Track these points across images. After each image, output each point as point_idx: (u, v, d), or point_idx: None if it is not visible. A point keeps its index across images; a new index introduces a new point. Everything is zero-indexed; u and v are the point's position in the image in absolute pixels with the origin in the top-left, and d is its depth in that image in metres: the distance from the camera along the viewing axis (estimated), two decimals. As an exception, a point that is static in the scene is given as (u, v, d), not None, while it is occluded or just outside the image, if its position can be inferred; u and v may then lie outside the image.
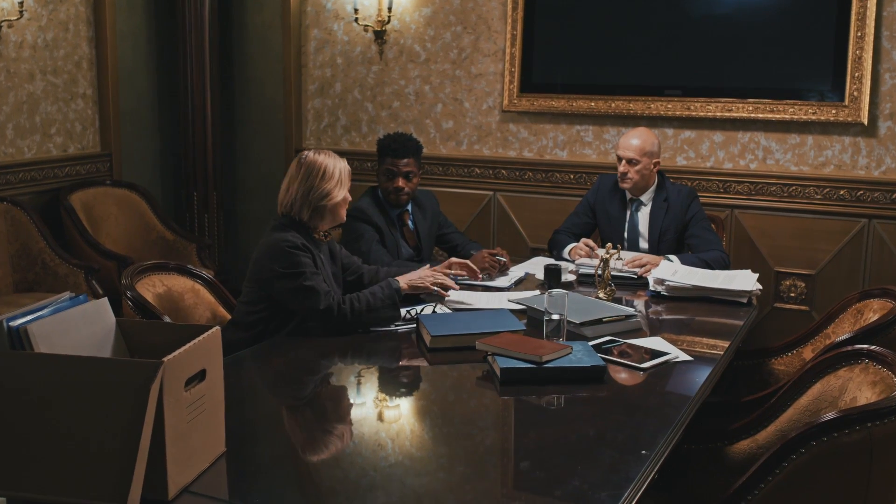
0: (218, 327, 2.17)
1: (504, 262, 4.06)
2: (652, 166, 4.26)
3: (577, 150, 5.57)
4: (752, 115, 5.10)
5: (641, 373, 2.83)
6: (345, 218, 3.43)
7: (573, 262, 4.20)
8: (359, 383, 2.88)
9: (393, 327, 3.27)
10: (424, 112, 5.92)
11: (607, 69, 5.45)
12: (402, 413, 2.58)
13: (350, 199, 3.42)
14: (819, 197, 5.04)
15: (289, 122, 6.28)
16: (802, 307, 5.15)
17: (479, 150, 5.81)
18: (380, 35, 5.90)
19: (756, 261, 5.13)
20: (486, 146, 5.79)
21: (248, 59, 6.44)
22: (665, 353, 2.96)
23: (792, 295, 5.16)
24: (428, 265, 3.51)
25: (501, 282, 3.96)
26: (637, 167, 4.22)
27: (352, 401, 2.70)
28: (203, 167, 6.22)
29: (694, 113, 5.22)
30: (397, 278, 3.36)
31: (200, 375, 2.09)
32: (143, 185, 6.04)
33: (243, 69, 6.47)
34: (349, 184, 3.39)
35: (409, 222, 4.25)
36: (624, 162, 4.24)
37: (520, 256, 4.76)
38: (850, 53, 4.83)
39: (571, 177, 5.57)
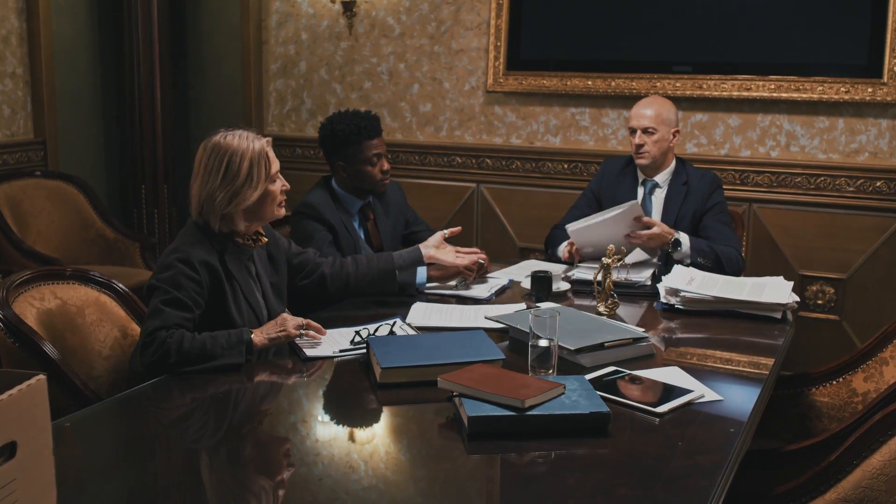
0: (43, 376, 1.47)
1: (483, 264, 3.36)
2: (671, 137, 3.67)
3: (572, 135, 4.90)
4: (774, 94, 4.45)
5: (657, 419, 2.14)
6: (280, 213, 2.73)
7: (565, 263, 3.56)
8: (272, 435, 2.18)
9: (336, 353, 2.58)
10: (399, 94, 5.24)
11: (606, 43, 4.79)
12: (307, 490, 1.88)
13: (283, 188, 2.72)
14: (851, 189, 4.39)
15: (248, 106, 5.64)
16: (831, 316, 4.49)
17: (460, 137, 5.15)
18: (349, 7, 5.23)
19: (778, 263, 4.48)
20: (468, 132, 5.12)
21: (203, 35, 5.78)
22: (686, 391, 2.27)
23: (819, 302, 4.49)
24: (286, 310, 2.81)
25: (479, 291, 3.26)
26: (655, 137, 3.63)
27: (247, 466, 2.01)
28: (152, 156, 5.56)
29: (706, 92, 4.56)
30: (253, 332, 2.57)
31: (7, 451, 1.39)
32: (83, 176, 5.34)
33: (197, 46, 5.81)
34: (272, 168, 2.67)
35: (373, 218, 3.55)
36: (639, 132, 3.65)
37: (506, 259, 4.09)
38: (889, 22, 4.20)
39: (565, 166, 4.89)
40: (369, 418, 2.24)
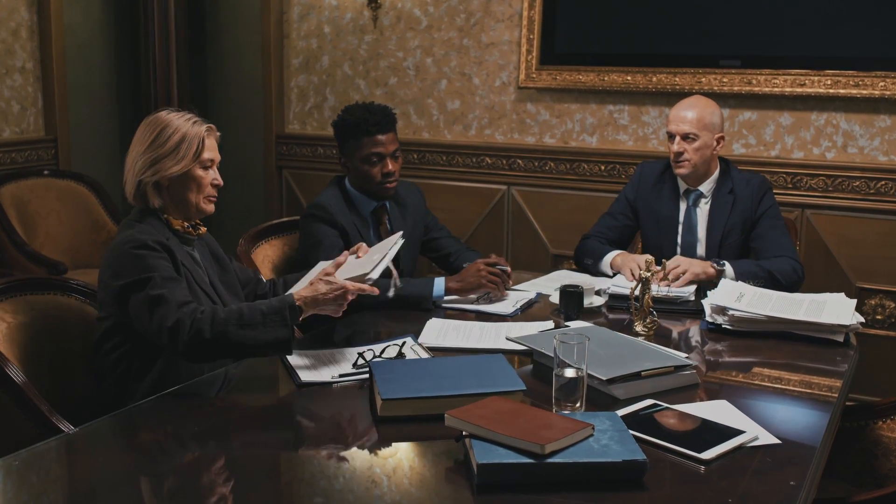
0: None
1: (507, 271, 3.04)
2: (715, 143, 3.28)
3: (610, 134, 4.57)
4: (831, 90, 4.11)
5: (702, 467, 1.81)
6: (208, 209, 2.46)
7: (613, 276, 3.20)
8: (236, 484, 1.89)
9: (336, 378, 2.27)
10: (426, 90, 4.94)
11: (647, 35, 4.47)
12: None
13: (214, 181, 2.44)
14: (916, 194, 4.04)
15: (269, 103, 5.38)
16: (892, 333, 4.13)
17: (490, 136, 4.84)
18: (374, -2, 4.95)
19: (833, 274, 4.14)
20: (498, 130, 4.81)
21: (222, 28, 5.55)
22: (737, 432, 1.94)
23: (878, 318, 4.13)
24: (333, 261, 2.43)
25: (502, 306, 2.95)
26: (696, 144, 3.23)
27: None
28: (168, 155, 5.29)
29: (756, 89, 4.22)
30: (293, 292, 2.33)
31: None
32: (96, 176, 5.11)
33: (216, 40, 5.58)
34: (205, 153, 2.39)
35: (388, 221, 3.25)
36: (678, 139, 3.25)
37: (538, 267, 3.78)
38: (960, 11, 3.81)
39: (602, 168, 4.57)
40: (362, 459, 1.92)
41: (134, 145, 2.40)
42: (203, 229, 2.52)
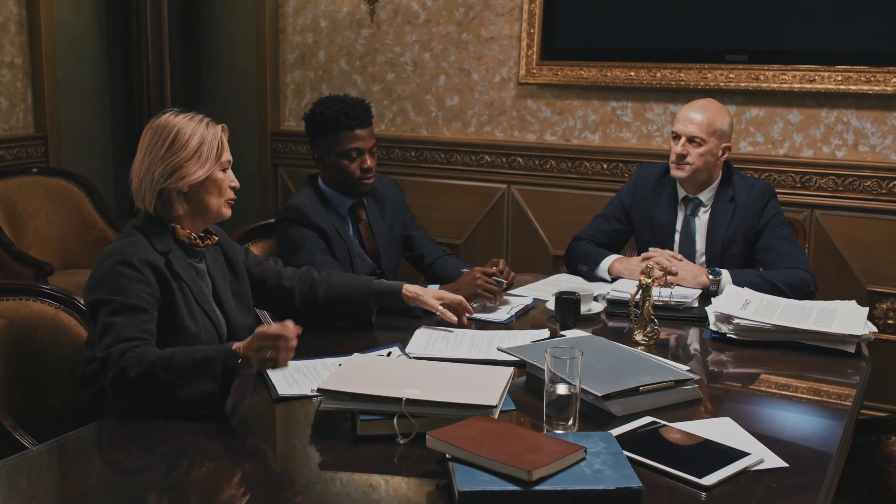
0: None
1: (504, 283, 2.89)
2: (720, 152, 3.12)
3: (613, 132, 4.44)
4: (841, 86, 3.97)
5: (703, 494, 1.68)
6: (226, 213, 2.35)
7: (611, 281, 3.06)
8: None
9: (315, 392, 2.14)
10: (424, 86, 4.81)
11: (651, 29, 4.34)
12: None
13: (232, 184, 2.34)
14: (929, 195, 3.90)
15: (264, 99, 5.28)
16: (905, 338, 3.98)
17: (490, 133, 4.71)
18: (370, -9, 4.84)
19: (843, 277, 4.01)
20: (498, 128, 4.68)
21: (216, 22, 5.43)
22: (741, 454, 1.81)
23: (890, 322, 4.00)
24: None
25: (497, 312, 2.81)
26: (701, 149, 3.08)
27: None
28: (161, 153, 5.17)
29: (764, 85, 4.09)
30: (235, 346, 2.07)
31: None
32: (87, 174, 5.00)
33: (210, 35, 5.46)
34: (224, 155, 2.31)
35: (366, 217, 3.12)
36: (683, 140, 3.09)
37: (538, 268, 3.65)
38: (977, 4, 3.66)
39: (605, 166, 4.44)
40: (336, 482, 1.79)
41: (144, 153, 2.26)
42: (213, 238, 2.39)
